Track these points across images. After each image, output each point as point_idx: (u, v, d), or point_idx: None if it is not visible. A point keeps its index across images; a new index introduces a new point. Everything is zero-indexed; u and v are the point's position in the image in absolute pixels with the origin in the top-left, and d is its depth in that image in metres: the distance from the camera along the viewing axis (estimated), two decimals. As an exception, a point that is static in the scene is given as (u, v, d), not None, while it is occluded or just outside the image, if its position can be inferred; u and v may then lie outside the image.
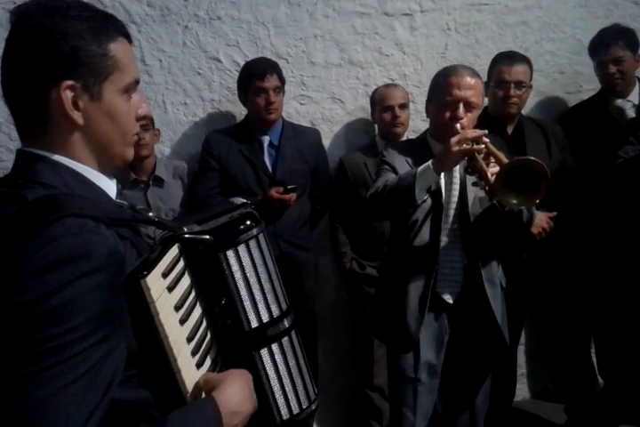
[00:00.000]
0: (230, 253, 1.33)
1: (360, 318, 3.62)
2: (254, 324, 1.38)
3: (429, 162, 2.48)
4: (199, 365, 1.26)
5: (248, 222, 1.38)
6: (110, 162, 1.26)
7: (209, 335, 1.34)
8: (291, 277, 3.27)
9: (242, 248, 1.35)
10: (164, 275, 1.19)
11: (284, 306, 1.44)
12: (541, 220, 3.23)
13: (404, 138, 3.58)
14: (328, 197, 3.68)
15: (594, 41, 3.67)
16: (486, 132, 2.48)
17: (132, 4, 3.55)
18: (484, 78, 3.45)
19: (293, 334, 1.47)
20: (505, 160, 2.38)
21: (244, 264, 1.35)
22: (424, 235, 2.67)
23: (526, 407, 4.12)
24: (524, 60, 3.43)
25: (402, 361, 2.75)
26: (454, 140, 2.42)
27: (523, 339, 4.04)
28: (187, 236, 1.29)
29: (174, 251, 1.26)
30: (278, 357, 1.42)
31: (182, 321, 1.23)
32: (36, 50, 1.14)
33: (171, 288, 1.20)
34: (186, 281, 1.28)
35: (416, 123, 3.70)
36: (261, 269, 1.39)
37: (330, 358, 3.94)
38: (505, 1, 3.97)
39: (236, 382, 1.27)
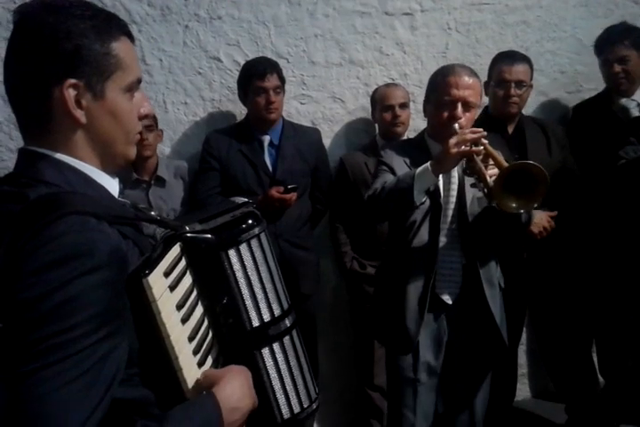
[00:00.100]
0: (232, 253, 1.33)
1: (360, 317, 3.62)
2: (256, 323, 1.37)
3: (428, 164, 2.47)
4: (200, 364, 1.26)
5: (250, 221, 1.38)
6: (113, 161, 1.26)
7: (210, 334, 1.34)
8: (291, 277, 3.28)
9: (244, 247, 1.35)
10: (166, 274, 1.19)
11: (286, 305, 1.44)
12: (542, 219, 3.23)
13: (405, 137, 3.58)
14: (328, 196, 3.68)
15: (600, 39, 3.65)
16: (485, 133, 2.48)
17: (132, 4, 3.55)
18: (485, 78, 3.46)
19: (294, 333, 1.47)
20: (504, 162, 2.38)
21: (245, 263, 1.35)
22: (423, 235, 2.67)
23: (527, 407, 4.12)
24: (525, 59, 3.43)
25: (401, 362, 2.75)
26: (453, 141, 2.42)
27: (524, 339, 4.04)
28: (188, 235, 1.29)
29: (176, 250, 1.26)
30: (279, 356, 1.42)
31: (184, 320, 1.23)
32: (40, 48, 1.14)
33: (172, 287, 1.21)
34: (187, 280, 1.28)
35: (417, 122, 3.70)
36: (263, 269, 1.39)
37: (330, 357, 3.94)
38: (505, 0, 3.97)
39: (236, 379, 1.27)
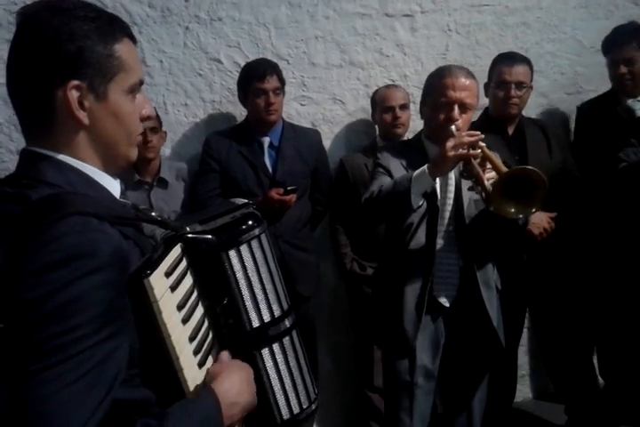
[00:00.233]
0: (232, 253, 1.33)
1: (360, 318, 3.62)
2: (256, 323, 1.38)
3: (425, 166, 2.47)
4: (201, 364, 1.27)
5: (250, 222, 1.38)
6: (114, 162, 1.27)
7: (211, 335, 1.34)
8: (291, 278, 3.28)
9: (244, 248, 1.35)
10: (167, 274, 1.19)
11: (286, 306, 1.45)
12: (542, 220, 3.23)
13: (405, 139, 3.58)
14: (328, 197, 3.68)
15: (607, 39, 3.63)
16: (482, 136, 2.48)
17: (132, 5, 3.55)
18: (485, 79, 3.47)
19: (294, 333, 1.47)
20: (502, 167, 2.38)
21: (246, 264, 1.35)
22: (420, 238, 2.67)
23: (527, 408, 4.12)
24: (525, 60, 3.43)
25: (398, 365, 2.74)
26: (450, 144, 2.41)
27: (524, 340, 4.05)
28: (189, 235, 1.29)
29: (177, 250, 1.26)
30: (279, 356, 1.42)
31: (184, 320, 1.23)
32: (43, 50, 1.14)
33: (173, 288, 1.21)
34: (188, 281, 1.29)
35: (417, 123, 3.68)
36: (263, 269, 1.39)
37: (330, 358, 3.94)
38: (505, 2, 3.97)
39: (235, 374, 1.28)
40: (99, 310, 1.02)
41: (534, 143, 3.45)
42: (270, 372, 1.40)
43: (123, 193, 1.30)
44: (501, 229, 2.67)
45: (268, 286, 1.40)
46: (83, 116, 1.17)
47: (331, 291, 3.87)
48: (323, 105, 3.83)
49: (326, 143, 3.77)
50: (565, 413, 3.75)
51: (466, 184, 2.63)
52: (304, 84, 3.79)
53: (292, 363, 1.44)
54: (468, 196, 2.68)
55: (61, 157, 1.18)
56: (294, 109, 3.79)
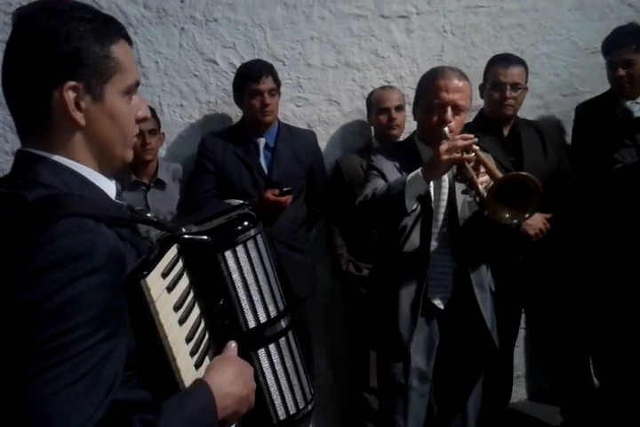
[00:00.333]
0: (228, 254, 1.34)
1: (356, 319, 3.62)
2: (252, 324, 1.38)
3: (418, 170, 2.47)
4: (198, 365, 1.27)
5: (246, 223, 1.38)
6: (110, 163, 1.27)
7: (207, 336, 1.34)
8: (287, 279, 3.28)
9: (240, 249, 1.36)
10: (164, 275, 1.19)
11: (282, 306, 1.45)
12: (538, 221, 3.24)
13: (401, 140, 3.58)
14: (324, 199, 3.68)
15: (607, 40, 3.61)
16: (476, 140, 2.48)
17: (128, 6, 3.55)
18: (480, 80, 3.47)
19: (290, 334, 1.47)
20: (497, 172, 2.38)
21: (241, 265, 1.36)
22: (414, 240, 2.66)
23: (522, 409, 4.13)
24: (520, 62, 3.44)
25: (392, 367, 2.74)
26: (444, 148, 2.41)
27: (519, 341, 4.05)
28: (185, 236, 1.30)
29: (173, 251, 1.26)
30: (275, 357, 1.43)
31: (181, 321, 1.24)
32: (40, 50, 1.14)
33: (170, 288, 1.21)
34: (184, 282, 1.29)
35: (412, 125, 3.67)
36: (259, 270, 1.40)
37: (326, 359, 3.94)
38: (501, 3, 3.98)
39: (228, 365, 1.28)
40: (96, 311, 1.02)
41: (529, 144, 3.45)
42: (267, 372, 1.40)
43: (119, 194, 1.30)
44: (495, 232, 2.67)
45: (264, 287, 1.40)
46: (79, 116, 1.17)
47: (326, 292, 3.87)
48: (318, 106, 3.83)
49: (322, 144, 3.77)
50: (561, 414, 3.76)
51: (459, 186, 2.63)
52: (300, 85, 3.79)
53: (289, 363, 1.45)
54: (461, 198, 2.68)
55: (57, 157, 1.18)
56: (290, 110, 3.79)
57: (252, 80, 3.35)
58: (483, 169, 2.45)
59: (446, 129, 2.57)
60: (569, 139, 3.94)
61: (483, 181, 2.43)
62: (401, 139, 3.58)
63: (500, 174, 2.36)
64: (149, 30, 3.58)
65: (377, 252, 2.93)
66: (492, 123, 3.47)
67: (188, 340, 1.25)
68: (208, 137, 3.52)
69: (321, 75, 3.80)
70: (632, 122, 3.44)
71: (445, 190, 2.69)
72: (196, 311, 1.31)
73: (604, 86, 3.74)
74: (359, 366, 3.73)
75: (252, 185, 3.43)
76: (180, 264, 1.28)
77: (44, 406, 0.95)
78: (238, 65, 3.56)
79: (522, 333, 3.99)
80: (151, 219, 1.29)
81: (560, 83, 4.12)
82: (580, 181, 3.51)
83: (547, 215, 3.27)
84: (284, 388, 1.43)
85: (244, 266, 1.36)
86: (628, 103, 3.56)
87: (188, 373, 1.22)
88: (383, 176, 2.70)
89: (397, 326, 2.65)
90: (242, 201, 1.51)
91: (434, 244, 2.66)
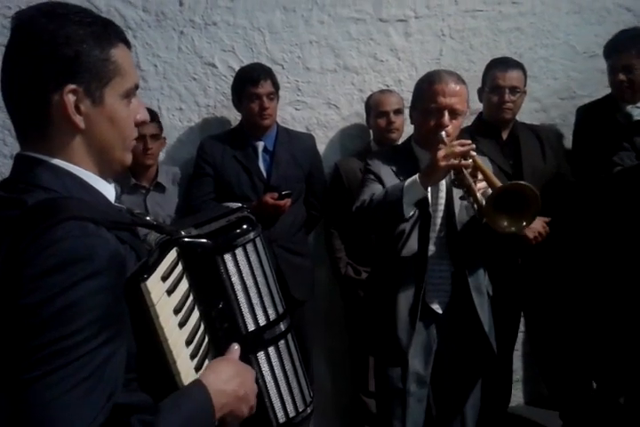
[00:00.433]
0: (228, 257, 1.34)
1: (355, 323, 3.62)
2: (251, 327, 1.38)
3: (416, 176, 2.47)
4: (198, 368, 1.27)
5: (245, 226, 1.39)
6: (109, 166, 1.27)
7: (207, 339, 1.34)
8: (286, 283, 3.28)
9: (239, 252, 1.36)
10: (164, 278, 1.19)
11: (281, 309, 1.45)
12: (537, 224, 3.23)
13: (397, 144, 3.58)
14: (323, 202, 3.68)
15: (609, 44, 3.59)
16: (474, 146, 2.47)
17: (127, 10, 3.55)
18: (479, 84, 3.48)
19: (289, 337, 1.48)
20: (492, 177, 2.38)
21: (241, 268, 1.36)
22: (412, 245, 2.65)
23: (521, 413, 4.12)
24: (518, 65, 3.44)
25: (390, 372, 2.73)
26: (441, 154, 2.40)
27: (518, 344, 4.04)
28: (185, 239, 1.30)
29: (173, 254, 1.26)
30: (275, 360, 1.43)
31: (181, 324, 1.24)
32: (39, 54, 1.14)
33: (170, 291, 1.21)
34: (184, 285, 1.29)
35: (411, 128, 3.66)
36: (258, 273, 1.40)
37: (325, 363, 3.94)
38: (499, 7, 3.98)
39: (224, 365, 1.29)
40: (97, 314, 1.02)
41: (528, 148, 3.45)
42: (266, 375, 1.41)
43: (118, 197, 1.30)
44: (494, 237, 2.67)
45: (264, 290, 1.40)
46: (79, 120, 1.17)
47: (325, 295, 3.87)
48: (317, 109, 3.83)
49: (321, 148, 3.77)
50: (560, 418, 3.75)
51: (457, 191, 2.63)
52: (298, 89, 3.80)
53: (288, 366, 1.45)
54: (459, 202, 2.67)
55: (56, 161, 1.18)
56: (289, 114, 3.80)
57: (251, 84, 3.36)
58: (480, 176, 2.45)
59: (443, 133, 2.57)
60: (567, 142, 3.94)
61: (480, 187, 2.43)
62: (400, 142, 3.58)
63: (497, 182, 2.35)
64: (148, 34, 3.59)
65: (375, 257, 2.92)
66: (491, 126, 3.47)
67: (188, 343, 1.25)
68: (207, 140, 3.52)
69: (320, 78, 3.81)
70: (631, 125, 3.44)
71: (443, 194, 2.68)
72: (195, 314, 1.31)
73: (603, 90, 3.74)
74: (358, 369, 3.73)
75: (250, 188, 3.43)
76: (179, 267, 1.28)
77: (46, 410, 0.95)
78: (237, 68, 3.56)
79: (520, 336, 3.99)
80: (151, 222, 1.29)
81: (558, 86, 4.12)
82: (578, 185, 3.50)
83: (546, 219, 3.27)
84: (283, 391, 1.43)
85: (244, 269, 1.36)
86: (629, 107, 3.56)
87: (188, 376, 1.22)
88: (380, 181, 2.70)
89: (396, 330, 2.65)
90: (240, 204, 1.52)
91: (431, 248, 2.65)
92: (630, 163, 3.18)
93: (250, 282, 1.37)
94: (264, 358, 1.41)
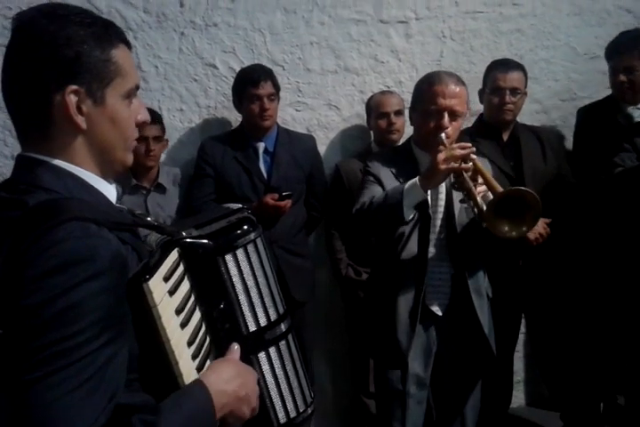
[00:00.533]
0: (229, 258, 1.34)
1: (355, 324, 3.62)
2: (252, 328, 1.38)
3: (416, 179, 2.46)
4: (199, 369, 1.27)
5: (246, 227, 1.38)
6: (110, 167, 1.27)
7: (208, 339, 1.34)
8: (286, 284, 3.28)
9: (240, 252, 1.36)
10: (166, 279, 1.20)
11: (282, 310, 1.45)
12: (538, 225, 3.23)
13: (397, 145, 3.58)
14: (324, 203, 3.68)
15: (610, 45, 3.60)
16: (474, 149, 2.47)
17: (128, 11, 3.56)
18: (479, 85, 3.48)
19: (290, 337, 1.48)
20: (492, 181, 2.38)
21: (242, 268, 1.36)
22: (412, 247, 2.65)
23: (522, 414, 4.12)
24: (519, 67, 3.44)
25: (390, 374, 2.73)
26: (441, 157, 2.40)
27: (519, 346, 4.04)
28: (186, 240, 1.30)
29: (174, 255, 1.26)
30: (276, 360, 1.43)
31: (183, 325, 1.24)
32: (41, 55, 1.14)
33: (172, 292, 1.21)
34: (185, 285, 1.29)
35: (411, 129, 3.70)
36: (259, 274, 1.40)
37: (325, 364, 3.94)
38: (500, 9, 3.99)
39: (225, 366, 1.29)
40: (98, 315, 1.02)
41: (529, 149, 3.46)
42: (267, 376, 1.41)
43: (119, 198, 1.30)
44: (494, 240, 2.67)
45: (264, 290, 1.40)
46: (80, 120, 1.17)
47: (326, 296, 3.87)
48: (318, 111, 3.83)
49: (321, 149, 3.77)
50: (561, 419, 3.75)
51: (457, 193, 2.62)
52: (299, 90, 3.80)
53: (289, 367, 1.45)
54: (459, 204, 2.66)
55: (57, 162, 1.18)
56: (289, 115, 3.80)
57: (252, 85, 3.36)
58: (480, 179, 2.45)
59: (443, 135, 2.56)
60: (568, 144, 3.94)
61: (480, 190, 2.42)
62: (400, 143, 3.58)
63: (497, 186, 2.35)
64: (149, 35, 3.59)
65: (374, 259, 2.92)
66: (492, 128, 3.47)
67: (190, 343, 1.26)
68: (207, 141, 3.52)
69: (320, 79, 3.81)
70: (632, 126, 3.44)
71: (443, 196, 2.68)
72: (197, 315, 1.31)
73: (603, 91, 3.75)
74: (359, 370, 3.73)
75: (251, 189, 3.43)
76: (181, 268, 1.28)
77: (48, 411, 0.95)
78: (238, 69, 3.57)
79: (521, 338, 3.99)
80: (152, 223, 1.29)
81: (559, 88, 4.12)
82: (579, 186, 3.50)
83: (547, 220, 3.27)
84: (284, 391, 1.43)
85: (245, 269, 1.36)
86: (630, 109, 3.56)
87: (190, 376, 1.22)
88: (380, 182, 2.69)
89: (396, 333, 2.64)
90: (241, 205, 1.52)
91: (431, 250, 2.65)
92: (631, 164, 3.18)
93: (251, 282, 1.37)
94: (265, 358, 1.41)
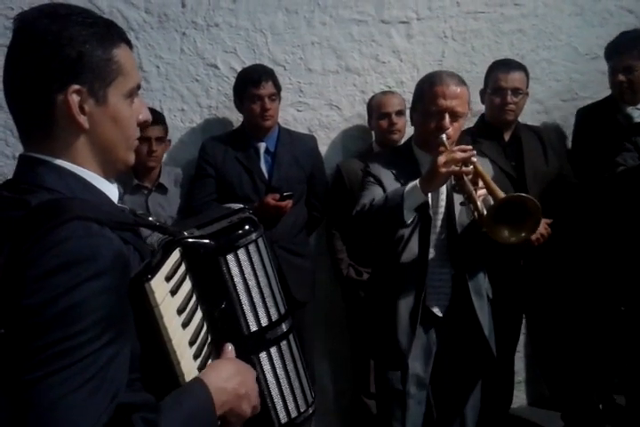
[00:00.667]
0: (230, 258, 1.34)
1: (356, 324, 3.62)
2: (253, 328, 1.38)
3: (416, 181, 2.46)
4: (201, 368, 1.27)
5: (247, 227, 1.38)
6: (113, 166, 1.27)
7: (209, 339, 1.34)
8: (287, 284, 3.28)
9: (241, 252, 1.36)
10: (167, 279, 1.20)
11: (283, 310, 1.45)
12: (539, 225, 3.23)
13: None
14: (325, 203, 3.68)
15: (610, 45, 3.62)
16: (474, 152, 2.46)
17: (129, 11, 3.56)
18: (481, 86, 3.48)
19: (291, 337, 1.47)
20: (493, 184, 2.38)
21: (243, 268, 1.36)
22: (412, 249, 2.65)
23: (523, 414, 4.12)
24: (521, 67, 3.44)
25: (390, 374, 2.73)
26: (442, 160, 2.39)
27: (520, 346, 4.04)
28: (188, 240, 1.30)
29: (176, 255, 1.26)
30: (277, 360, 1.43)
31: (184, 325, 1.24)
32: (43, 55, 1.15)
33: (173, 292, 1.21)
34: (187, 285, 1.29)
35: (412, 130, 3.70)
36: (260, 274, 1.40)
37: (326, 364, 3.94)
38: (501, 9, 3.99)
39: (224, 364, 1.29)
40: (100, 314, 1.02)
41: (530, 149, 3.46)
42: (268, 376, 1.41)
43: (121, 198, 1.31)
44: (493, 244, 2.66)
45: (266, 290, 1.40)
46: (83, 120, 1.17)
47: (327, 296, 3.87)
48: (319, 111, 3.83)
49: (322, 149, 3.78)
50: (562, 419, 3.75)
51: (457, 195, 2.62)
52: (300, 90, 3.80)
53: (290, 367, 1.45)
54: (459, 205, 2.67)
55: (59, 161, 1.18)
56: (291, 115, 3.80)
57: (253, 85, 3.36)
58: (481, 183, 2.44)
59: (444, 136, 2.56)
60: (570, 144, 3.95)
61: (481, 194, 2.42)
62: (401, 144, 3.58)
63: (498, 190, 2.35)
64: (151, 35, 3.59)
65: (375, 260, 2.92)
66: (493, 128, 3.47)
67: (192, 343, 1.25)
68: (208, 141, 3.52)
69: (322, 80, 3.81)
70: (632, 127, 3.45)
71: (444, 197, 2.68)
72: (198, 315, 1.31)
73: (605, 91, 3.75)
74: (359, 370, 3.73)
75: (252, 190, 3.43)
76: (182, 268, 1.28)
77: (50, 410, 0.95)
78: (239, 70, 3.57)
79: (522, 338, 3.99)
80: (154, 223, 1.29)
81: (560, 88, 4.12)
82: (580, 186, 3.50)
83: (548, 220, 3.27)
84: (285, 391, 1.43)
85: (246, 269, 1.36)
86: (629, 109, 3.57)
87: (192, 376, 1.22)
88: (380, 183, 2.69)
89: (396, 334, 2.64)
90: (242, 205, 1.52)
91: (432, 251, 2.65)
92: (633, 163, 3.18)
93: (252, 282, 1.37)
94: (266, 358, 1.40)
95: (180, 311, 1.23)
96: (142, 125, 1.31)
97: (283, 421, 1.42)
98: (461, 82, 2.65)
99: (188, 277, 1.30)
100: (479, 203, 2.38)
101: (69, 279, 0.99)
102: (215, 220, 1.41)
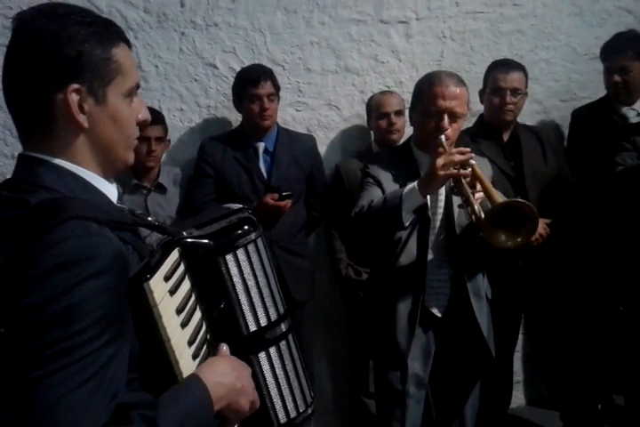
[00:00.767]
0: (229, 258, 1.34)
1: (355, 324, 3.62)
2: (253, 328, 1.38)
3: (414, 184, 2.46)
4: (199, 368, 1.27)
5: (246, 227, 1.38)
6: (112, 166, 1.27)
7: (208, 339, 1.34)
8: (286, 283, 3.28)
9: (240, 252, 1.36)
10: (166, 278, 1.19)
11: (282, 310, 1.45)
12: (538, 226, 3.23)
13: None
14: (324, 203, 3.68)
15: (605, 46, 3.63)
16: (473, 155, 2.47)
17: (128, 11, 3.55)
18: (480, 86, 3.48)
19: (290, 337, 1.47)
20: (491, 188, 2.38)
21: (242, 268, 1.36)
22: (411, 250, 2.65)
23: (522, 414, 4.12)
24: (520, 67, 3.44)
25: (389, 374, 2.73)
26: (440, 162, 2.38)
27: (519, 346, 4.04)
28: (187, 240, 1.30)
29: (175, 255, 1.26)
30: (276, 360, 1.43)
31: (183, 324, 1.24)
32: (42, 54, 1.15)
33: (172, 292, 1.21)
34: (186, 285, 1.29)
35: (411, 130, 3.70)
36: (259, 274, 1.40)
37: (325, 363, 3.94)
38: (500, 9, 3.99)
39: (220, 360, 1.29)
40: (100, 314, 1.02)
41: (529, 150, 3.46)
42: (267, 376, 1.40)
43: (119, 198, 1.31)
44: (489, 247, 2.66)
45: (265, 290, 1.40)
46: (82, 119, 1.17)
47: (326, 296, 3.87)
48: (318, 111, 3.83)
49: (321, 149, 3.77)
50: (561, 419, 3.75)
51: (456, 196, 2.62)
52: (299, 90, 3.80)
53: (289, 367, 1.45)
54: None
55: (58, 161, 1.18)
56: (290, 115, 3.80)
57: (251, 85, 3.36)
58: (479, 186, 2.44)
59: (443, 137, 2.55)
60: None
61: (479, 197, 2.42)
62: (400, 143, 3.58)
63: (495, 194, 2.36)
64: (150, 35, 3.59)
65: (374, 260, 2.92)
66: (492, 128, 3.47)
67: (190, 343, 1.25)
68: (207, 141, 3.52)
69: (321, 79, 3.81)
70: (630, 127, 3.45)
71: (442, 197, 2.68)
72: (197, 315, 1.31)
73: (603, 92, 3.75)
74: (359, 370, 3.73)
75: (251, 189, 3.43)
76: (181, 268, 1.28)
77: (50, 410, 0.95)
78: (238, 69, 3.56)
79: (521, 338, 3.99)
80: (153, 223, 1.29)
81: (559, 88, 4.13)
82: (579, 186, 3.51)
83: (547, 220, 3.27)
84: (284, 391, 1.43)
85: (245, 269, 1.36)
86: (624, 109, 3.59)
87: (190, 376, 1.22)
88: (379, 184, 2.69)
89: (395, 334, 2.65)
90: (241, 205, 1.51)
91: (431, 252, 2.65)
92: (632, 163, 3.18)
93: (251, 282, 1.37)
94: (265, 358, 1.40)
95: (178, 311, 1.23)
96: (142, 125, 1.31)
97: (282, 421, 1.42)
98: (461, 82, 2.65)
99: (186, 277, 1.30)
100: (476, 206, 2.37)
101: (69, 279, 0.99)
102: (214, 220, 1.41)
